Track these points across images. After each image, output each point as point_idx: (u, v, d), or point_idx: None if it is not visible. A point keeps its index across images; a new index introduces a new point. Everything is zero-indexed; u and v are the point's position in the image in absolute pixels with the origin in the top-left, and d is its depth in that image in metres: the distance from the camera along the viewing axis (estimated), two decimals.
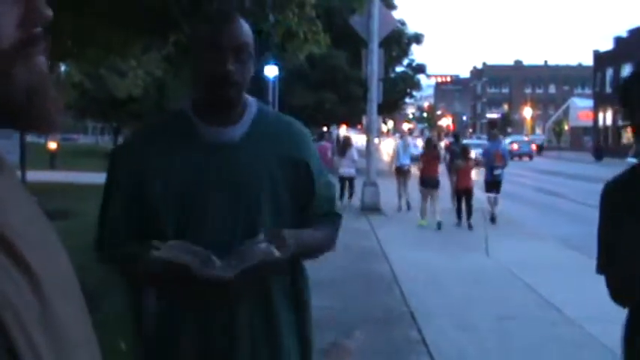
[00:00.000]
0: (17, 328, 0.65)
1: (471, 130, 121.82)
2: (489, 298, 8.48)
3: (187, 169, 2.09)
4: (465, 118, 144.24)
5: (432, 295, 8.51)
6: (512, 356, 6.47)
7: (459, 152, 16.29)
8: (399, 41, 36.12)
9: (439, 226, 14.65)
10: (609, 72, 67.50)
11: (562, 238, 13.81)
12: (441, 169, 16.57)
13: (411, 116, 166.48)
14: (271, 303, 2.15)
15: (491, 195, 15.95)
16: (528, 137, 75.69)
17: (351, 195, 18.39)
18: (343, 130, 49.66)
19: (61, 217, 11.44)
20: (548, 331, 7.09)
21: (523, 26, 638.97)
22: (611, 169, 40.71)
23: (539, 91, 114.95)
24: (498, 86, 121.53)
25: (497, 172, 15.83)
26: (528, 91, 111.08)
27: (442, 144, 31.68)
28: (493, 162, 15.85)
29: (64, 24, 6.89)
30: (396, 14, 41.94)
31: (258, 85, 33.32)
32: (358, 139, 35.24)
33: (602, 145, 62.25)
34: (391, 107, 42.11)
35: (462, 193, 15.24)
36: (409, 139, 24.33)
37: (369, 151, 18.66)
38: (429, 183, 15.33)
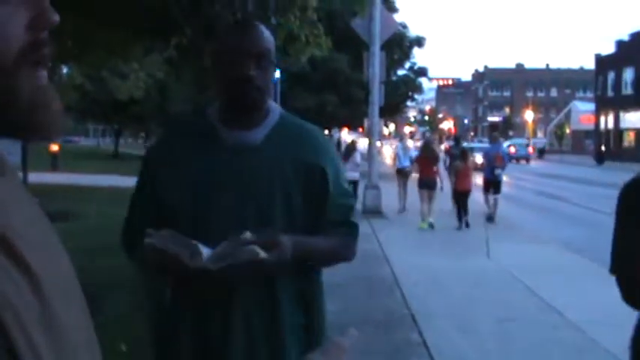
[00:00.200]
0: (17, 328, 0.65)
1: (472, 134, 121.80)
2: (490, 300, 8.47)
3: (205, 170, 2.17)
4: (466, 121, 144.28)
5: (433, 298, 8.50)
6: (513, 359, 6.46)
7: (458, 155, 16.59)
8: (400, 44, 36.14)
9: (431, 225, 15.08)
10: (611, 75, 67.46)
11: (563, 241, 13.81)
12: (442, 171, 16.74)
13: (412, 119, 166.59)
14: (276, 305, 2.17)
15: (490, 195, 16.55)
16: (530, 140, 75.72)
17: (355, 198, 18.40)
18: (345, 133, 49.69)
19: (62, 219, 11.45)
20: (550, 334, 7.08)
21: (525, 29, 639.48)
22: (613, 172, 40.77)
23: (540, 94, 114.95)
24: (500, 89, 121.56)
25: (497, 172, 16.61)
26: (530, 94, 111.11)
27: (442, 147, 31.70)
28: (493, 163, 16.63)
29: (65, 25, 6.91)
30: (398, 17, 41.91)
31: None
32: (360, 142, 35.26)
33: (604, 148, 62.21)
34: (393, 110, 42.08)
35: (460, 195, 15.61)
36: (409, 141, 24.49)
37: (371, 154, 18.67)
38: (426, 184, 15.69)
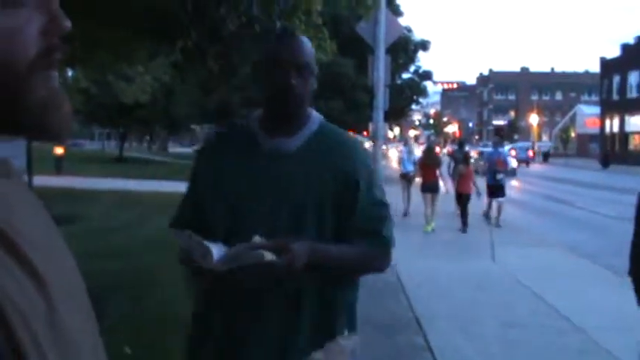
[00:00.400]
0: (22, 327, 0.65)
1: (477, 137, 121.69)
2: (495, 304, 8.46)
3: (241, 175, 2.27)
4: (471, 124, 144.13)
5: (437, 301, 8.49)
6: None
7: (461, 158, 16.76)
8: (405, 48, 36.21)
9: (431, 229, 15.24)
10: (616, 79, 67.38)
11: (569, 245, 13.79)
12: (445, 175, 16.95)
13: (417, 123, 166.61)
14: (298, 309, 2.23)
15: (494, 199, 16.70)
16: (535, 144, 75.62)
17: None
18: None
19: (66, 222, 11.46)
20: (555, 339, 7.06)
21: (529, 33, 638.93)
22: (618, 176, 40.63)
23: (545, 97, 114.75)
24: (505, 93, 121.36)
25: (499, 176, 16.69)
26: (535, 97, 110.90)
27: (444, 150, 31.75)
28: (495, 167, 16.71)
29: (71, 29, 6.88)
30: (403, 21, 42.03)
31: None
32: (366, 146, 35.26)
33: (609, 152, 62.10)
34: (398, 114, 42.17)
35: (462, 198, 15.83)
36: (414, 145, 24.58)
37: (376, 158, 18.66)
38: (429, 188, 15.88)
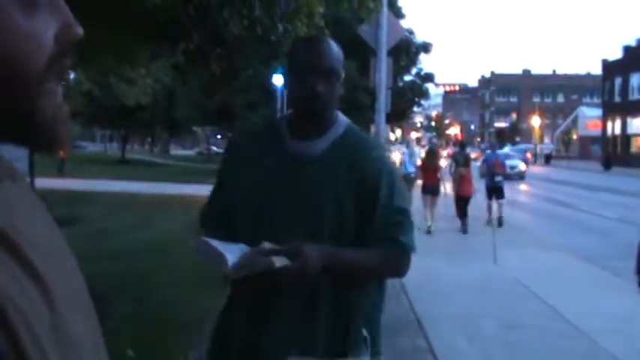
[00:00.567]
0: (25, 329, 0.65)
1: (479, 139, 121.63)
2: (497, 307, 8.45)
3: (264, 176, 2.31)
4: (473, 127, 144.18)
5: (439, 303, 8.49)
6: None
7: (462, 161, 16.87)
8: (407, 50, 36.22)
9: (429, 231, 15.27)
10: (618, 81, 67.33)
11: (571, 248, 13.76)
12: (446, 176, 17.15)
13: (419, 125, 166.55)
14: (315, 310, 2.26)
15: (494, 201, 16.95)
16: (537, 146, 75.56)
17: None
18: None
19: (68, 224, 11.47)
20: (557, 341, 7.05)
21: (531, 35, 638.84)
22: (620, 178, 40.51)
23: (547, 100, 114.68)
24: (507, 95, 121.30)
25: (497, 178, 16.98)
26: (537, 100, 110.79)
27: (444, 152, 31.75)
28: (493, 169, 16.97)
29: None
30: (405, 23, 42.02)
31: (267, 93, 33.43)
32: None
33: (611, 154, 62.04)
34: (399, 116, 42.14)
35: (462, 199, 16.02)
36: (415, 147, 24.68)
37: None
38: (429, 190, 16.06)
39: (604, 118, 71.19)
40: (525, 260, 12.06)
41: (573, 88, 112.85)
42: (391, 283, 10.09)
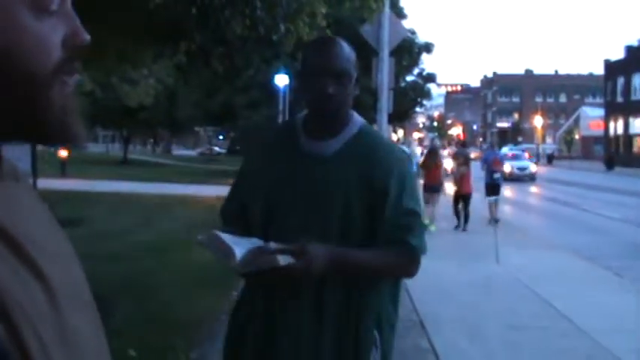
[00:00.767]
0: (28, 329, 0.65)
1: (481, 139, 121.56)
2: (499, 307, 8.45)
3: (279, 176, 2.36)
4: (475, 127, 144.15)
5: (441, 304, 8.48)
6: None
7: (462, 160, 17.19)
8: (409, 50, 36.17)
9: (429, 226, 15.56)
10: (620, 81, 67.27)
11: (573, 247, 13.75)
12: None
13: (421, 125, 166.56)
14: (322, 308, 2.29)
15: (492, 198, 17.38)
16: (540, 146, 75.51)
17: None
18: None
19: (71, 225, 11.47)
20: (559, 341, 7.05)
21: (534, 35, 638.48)
22: (623, 178, 40.46)
23: (549, 100, 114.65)
24: (509, 95, 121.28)
25: (496, 175, 17.57)
26: (539, 100, 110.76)
27: (445, 152, 31.80)
28: (492, 167, 17.52)
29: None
30: (407, 24, 42.04)
31: (269, 93, 33.43)
32: None
33: (614, 154, 61.99)
34: (401, 116, 42.09)
35: (462, 198, 16.37)
36: (416, 147, 24.95)
37: None
38: (431, 189, 16.33)
39: (606, 118, 71.13)
40: (527, 260, 12.05)
41: (575, 88, 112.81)
42: None
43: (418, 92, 42.92)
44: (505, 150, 43.15)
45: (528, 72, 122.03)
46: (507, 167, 37.18)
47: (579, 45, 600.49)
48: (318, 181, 2.30)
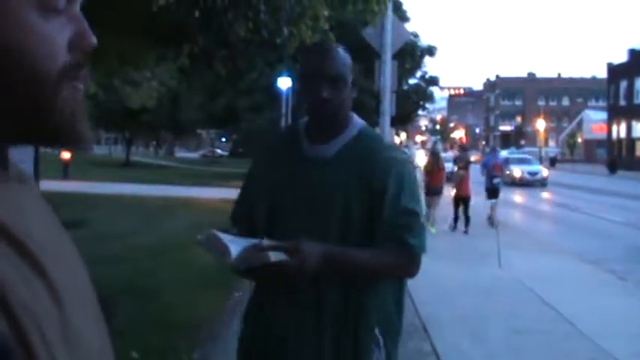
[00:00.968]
0: (33, 328, 0.66)
1: (484, 143, 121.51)
2: (502, 310, 8.44)
3: (282, 179, 2.41)
4: (478, 130, 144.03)
5: (444, 307, 8.48)
6: None
7: (462, 163, 17.41)
8: (412, 54, 36.20)
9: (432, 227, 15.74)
10: (623, 84, 67.21)
11: (576, 251, 13.75)
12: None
13: (424, 128, 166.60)
14: (322, 307, 2.32)
15: (493, 200, 17.55)
16: (542, 149, 75.46)
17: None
18: None
19: (73, 227, 11.48)
20: (561, 345, 7.04)
21: (536, 39, 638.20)
22: (625, 182, 40.39)
23: (552, 103, 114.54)
24: (511, 98, 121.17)
25: (496, 180, 17.72)
26: (542, 103, 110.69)
27: (448, 154, 31.83)
28: (492, 172, 17.68)
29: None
30: (409, 27, 42.07)
31: (272, 96, 33.45)
32: None
33: (616, 157, 61.92)
34: (404, 119, 42.15)
35: (461, 201, 16.50)
36: (415, 150, 25.13)
37: None
38: (432, 191, 16.62)
39: (609, 122, 71.07)
40: (530, 263, 12.04)
41: (578, 91, 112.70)
42: None
43: (421, 95, 42.96)
44: (504, 153, 42.10)
45: (531, 75, 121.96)
46: (517, 172, 36.34)
47: (582, 48, 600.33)
48: (317, 184, 2.34)
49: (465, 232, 16.04)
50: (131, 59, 10.24)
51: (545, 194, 31.50)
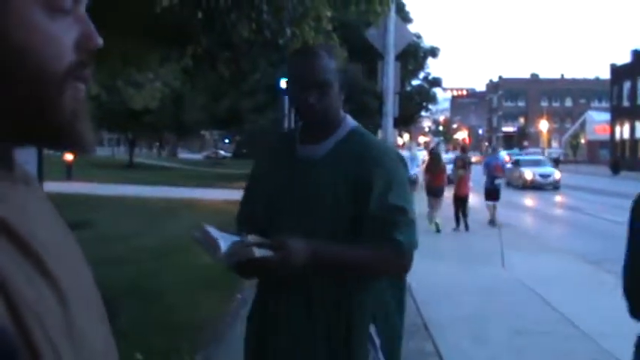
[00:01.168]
0: (38, 328, 0.66)
1: (487, 144, 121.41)
2: (504, 310, 8.44)
3: (276, 180, 2.48)
4: (480, 131, 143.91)
5: (446, 307, 8.48)
6: None
7: (462, 163, 17.69)
8: (415, 55, 36.21)
9: (437, 227, 16.00)
10: (626, 85, 67.13)
11: (578, 252, 13.73)
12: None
13: (427, 129, 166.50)
14: (310, 304, 2.36)
15: (491, 202, 17.70)
16: (545, 150, 75.40)
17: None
18: None
19: (77, 228, 11.48)
20: (563, 345, 7.04)
21: (539, 40, 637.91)
22: (629, 183, 40.33)
23: (555, 104, 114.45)
24: (514, 99, 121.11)
25: (497, 181, 17.90)
26: (545, 104, 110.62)
27: (446, 156, 31.85)
28: (493, 173, 17.84)
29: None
30: (412, 28, 42.01)
31: (275, 97, 33.43)
32: None
33: (619, 158, 61.82)
34: (407, 120, 42.12)
35: (460, 200, 16.75)
36: (416, 150, 25.24)
37: None
38: (433, 192, 16.88)
39: (612, 123, 70.99)
40: (533, 264, 12.03)
41: (581, 92, 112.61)
42: None
43: (424, 96, 42.95)
44: (503, 154, 41.03)
45: (534, 76, 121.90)
46: (529, 174, 35.04)
47: (585, 49, 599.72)
48: (308, 184, 2.40)
49: (466, 229, 16.27)
50: (134, 60, 10.26)
51: (546, 195, 31.45)
